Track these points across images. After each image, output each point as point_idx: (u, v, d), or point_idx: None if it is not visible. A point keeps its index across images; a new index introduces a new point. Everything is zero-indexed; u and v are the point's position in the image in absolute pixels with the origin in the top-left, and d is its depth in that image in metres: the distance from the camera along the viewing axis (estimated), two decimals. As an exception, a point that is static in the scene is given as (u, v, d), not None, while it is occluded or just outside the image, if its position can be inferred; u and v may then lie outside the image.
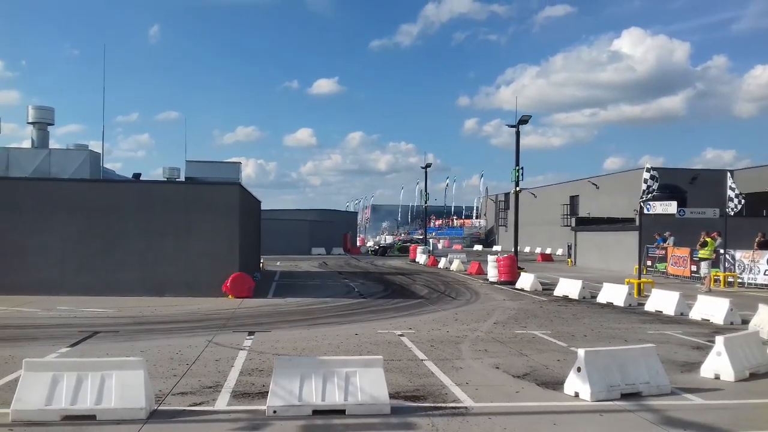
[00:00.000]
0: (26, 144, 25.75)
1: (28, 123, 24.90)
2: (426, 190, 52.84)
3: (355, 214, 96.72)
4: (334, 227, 62.93)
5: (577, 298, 21.54)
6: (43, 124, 24.86)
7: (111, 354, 10.73)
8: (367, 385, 7.69)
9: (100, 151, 25.09)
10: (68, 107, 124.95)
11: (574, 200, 62.10)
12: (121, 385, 7.16)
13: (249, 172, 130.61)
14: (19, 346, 11.75)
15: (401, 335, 13.71)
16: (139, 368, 7.32)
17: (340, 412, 7.52)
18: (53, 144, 25.60)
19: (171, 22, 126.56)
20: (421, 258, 44.73)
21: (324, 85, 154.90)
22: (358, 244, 73.14)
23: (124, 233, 20.85)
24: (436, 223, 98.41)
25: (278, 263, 41.33)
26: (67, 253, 20.59)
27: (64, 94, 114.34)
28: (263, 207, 38.74)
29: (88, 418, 7.07)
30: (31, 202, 20.75)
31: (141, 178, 26.97)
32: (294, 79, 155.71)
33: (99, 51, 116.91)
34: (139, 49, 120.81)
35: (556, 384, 9.33)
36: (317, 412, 7.48)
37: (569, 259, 44.26)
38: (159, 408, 7.76)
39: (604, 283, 21.40)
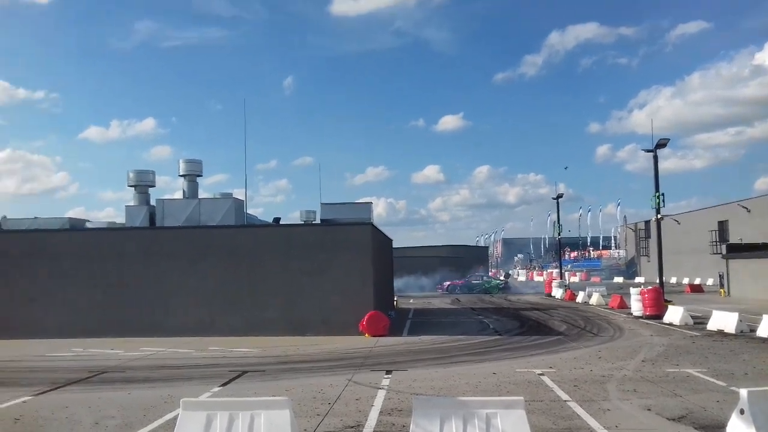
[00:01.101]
0: (178, 195, 27.83)
1: (179, 176, 27.00)
2: (558, 221, 51.34)
3: (486, 248, 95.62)
4: (465, 262, 62.56)
5: (733, 332, 19.89)
6: (192, 176, 26.89)
7: (258, 393, 11.21)
8: (509, 427, 7.46)
9: (244, 198, 26.75)
10: (214, 158, 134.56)
11: (723, 225, 57.83)
12: (269, 424, 7.43)
13: (380, 211, 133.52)
14: (176, 386, 12.56)
15: (541, 374, 13.27)
16: (286, 408, 7.57)
17: (482, 455, 7.35)
18: (202, 194, 27.50)
19: (302, 73, 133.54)
20: (557, 292, 43.31)
21: (449, 122, 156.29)
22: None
23: (267, 275, 21.93)
24: (571, 255, 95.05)
25: (411, 300, 41.57)
26: (216, 296, 21.93)
27: (209, 146, 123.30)
28: (395, 245, 39.33)
29: (242, 456, 7.38)
30: (184, 248, 22.43)
31: (281, 222, 28.27)
32: (420, 118, 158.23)
33: (240, 105, 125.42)
34: (275, 101, 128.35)
35: (717, 428, 8.62)
36: (459, 455, 7.36)
37: (722, 290, 41.11)
38: (305, 447, 7.98)
39: (764, 315, 19.61)
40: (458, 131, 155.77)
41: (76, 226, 25.73)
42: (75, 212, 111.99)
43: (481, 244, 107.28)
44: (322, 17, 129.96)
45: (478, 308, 34.20)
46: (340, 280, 21.66)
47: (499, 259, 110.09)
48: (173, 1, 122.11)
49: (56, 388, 12.55)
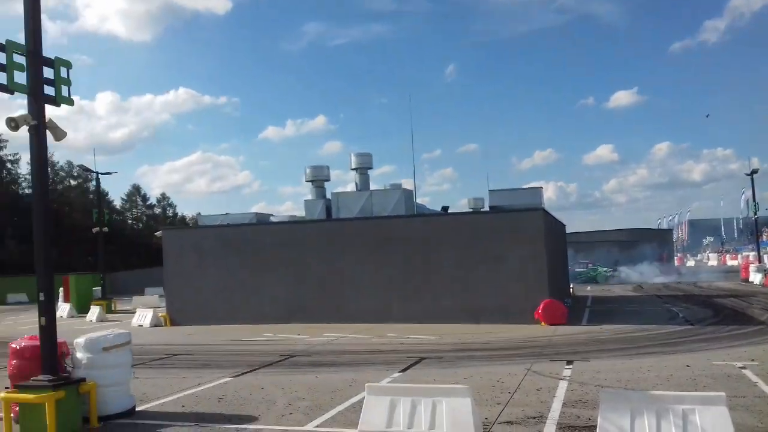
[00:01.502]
0: (350, 188, 28.93)
1: (351, 169, 28.07)
2: (754, 199, 46.65)
3: (669, 231, 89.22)
4: (645, 247, 58.87)
5: None
6: (363, 169, 27.85)
7: (437, 380, 11.34)
8: (709, 425, 6.86)
9: (412, 188, 27.22)
10: (381, 150, 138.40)
11: None
12: (451, 411, 7.47)
13: (549, 195, 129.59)
14: (359, 370, 13.07)
15: (742, 368, 12.11)
16: (467, 396, 7.57)
17: (680, 454, 6.84)
18: (372, 186, 28.35)
19: (464, 60, 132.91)
20: (756, 277, 39.33)
21: (622, 98, 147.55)
22: (676, 264, 67.31)
23: (440, 263, 22.13)
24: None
25: (588, 288, 39.93)
26: (393, 284, 22.54)
27: (376, 138, 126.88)
28: (567, 230, 37.93)
29: (425, 441, 7.50)
30: (360, 238, 23.30)
31: (449, 211, 28.39)
32: (589, 96, 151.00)
33: (404, 97, 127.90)
34: (438, 90, 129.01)
35: None
36: (654, 452, 6.91)
37: None
38: (488, 436, 7.93)
39: None
40: (632, 107, 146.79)
41: (262, 221, 27.67)
42: (258, 207, 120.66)
43: (664, 226, 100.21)
44: (481, 2, 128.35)
45: (664, 295, 32.05)
46: (514, 267, 21.32)
47: (685, 243, 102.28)
48: (338, 1, 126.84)
49: (252, 371, 13.58)
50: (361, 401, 9.32)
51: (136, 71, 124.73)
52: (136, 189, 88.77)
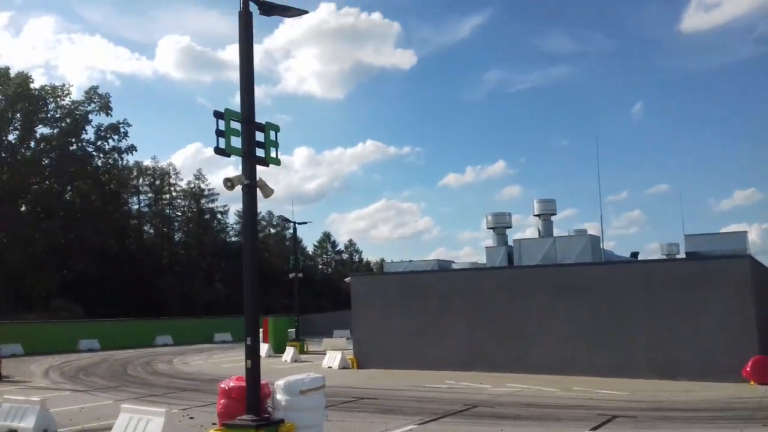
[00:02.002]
0: (529, 233, 28.54)
1: (534, 215, 27.74)
2: None
3: None
4: None
5: None
6: (546, 215, 27.38)
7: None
8: None
9: (597, 233, 26.21)
10: (563, 194, 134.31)
11: None
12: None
13: (754, 238, 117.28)
14: (545, 426, 12.68)
15: None
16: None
17: None
18: (555, 231, 27.72)
19: (651, 98, 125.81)
20: None
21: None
22: None
23: (630, 314, 20.88)
24: None
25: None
26: (577, 334, 21.62)
27: (556, 182, 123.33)
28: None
29: None
30: (543, 286, 22.71)
31: (639, 257, 26.86)
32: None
33: (586, 138, 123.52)
34: (623, 130, 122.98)
35: None
36: None
37: None
38: None
39: None
40: None
41: (444, 267, 28.05)
42: (437, 252, 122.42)
43: None
44: (670, 37, 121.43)
45: None
46: (715, 319, 19.54)
47: None
48: (518, 48, 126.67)
49: (436, 419, 13.66)
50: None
51: (328, 127, 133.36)
52: (326, 236, 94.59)
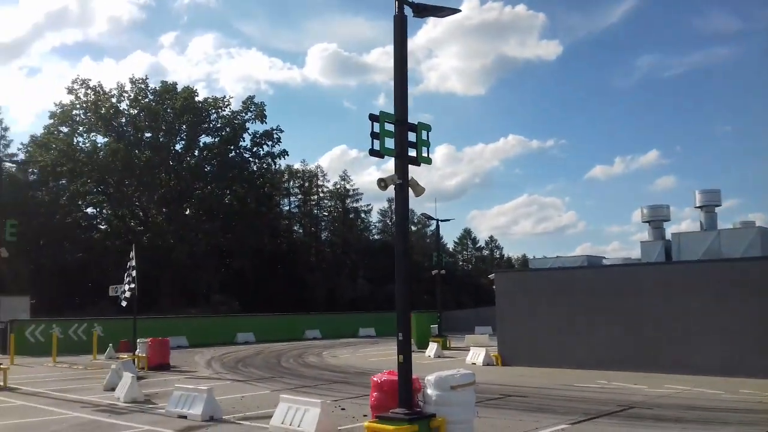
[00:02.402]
0: (687, 226, 26.86)
1: (695, 207, 26.04)
2: None
3: None
4: None
5: None
6: (710, 207, 25.60)
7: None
8: None
9: (765, 224, 24.08)
10: (724, 183, 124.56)
11: None
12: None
13: None
14: (712, 429, 11.87)
15: None
16: None
17: None
18: (719, 225, 25.82)
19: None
20: None
21: None
22: None
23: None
24: None
25: None
26: (744, 333, 19.95)
27: (716, 171, 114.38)
28: None
29: None
30: (705, 282, 21.16)
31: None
32: None
33: (750, 122, 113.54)
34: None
35: None
36: None
37: None
38: None
39: None
40: None
41: (594, 263, 27.04)
42: (582, 248, 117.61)
43: None
44: None
45: None
46: None
47: None
48: (674, 30, 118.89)
49: (589, 419, 13.22)
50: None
51: (469, 123, 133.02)
52: (467, 232, 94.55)
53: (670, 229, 26.58)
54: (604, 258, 28.76)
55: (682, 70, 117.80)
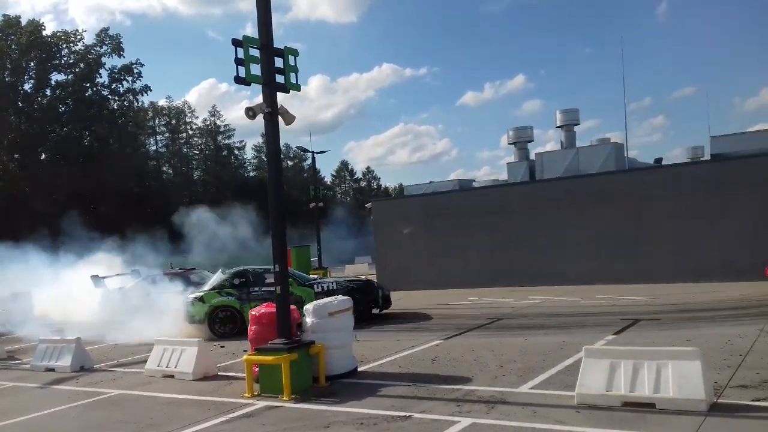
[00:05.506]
0: (550, 147, 28.26)
1: (556, 126, 27.35)
2: None
3: None
4: None
5: None
6: (570, 126, 26.95)
7: (656, 342, 10.78)
8: None
9: (621, 142, 25.87)
10: (585, 104, 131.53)
11: None
12: (678, 375, 7.11)
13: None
14: (570, 333, 12.84)
15: None
16: (696, 358, 7.15)
17: None
18: (578, 143, 27.34)
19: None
20: None
21: None
22: None
23: (654, 220, 20.82)
24: None
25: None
26: (601, 244, 21.65)
27: (579, 92, 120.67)
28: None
29: (647, 405, 7.23)
30: (566, 199, 22.61)
31: (663, 163, 26.53)
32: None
33: (610, 45, 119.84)
34: (648, 33, 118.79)
35: None
36: None
37: None
38: (719, 401, 7.41)
39: None
40: None
41: (465, 186, 28.01)
42: (456, 174, 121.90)
43: None
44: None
45: None
46: (739, 220, 19.39)
47: None
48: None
49: (461, 333, 13.92)
50: (574, 364, 9.22)
51: (343, 52, 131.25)
52: (344, 165, 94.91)
53: (534, 150, 27.84)
54: (474, 181, 29.85)
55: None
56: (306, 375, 9.86)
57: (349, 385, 9.99)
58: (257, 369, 9.87)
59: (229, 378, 11.24)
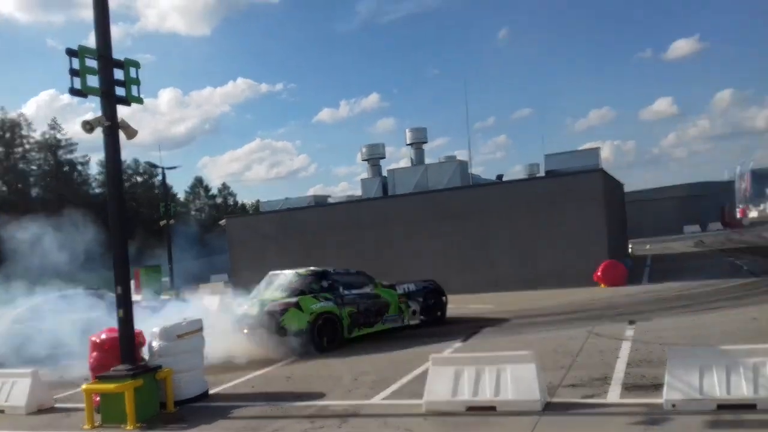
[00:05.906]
0: (403, 163, 29.18)
1: (406, 144, 28.23)
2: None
3: (732, 183, 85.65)
4: (707, 201, 57.03)
5: None
6: (418, 144, 27.98)
7: (499, 347, 11.41)
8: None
9: (466, 159, 27.22)
10: (435, 123, 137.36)
11: None
12: (515, 378, 7.59)
13: (606, 155, 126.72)
14: (420, 343, 13.24)
15: (815, 318, 11.78)
16: (531, 361, 7.67)
17: (749, 407, 6.80)
18: (428, 160, 28.42)
19: (515, 21, 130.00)
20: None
21: (682, 47, 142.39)
22: (738, 216, 64.94)
23: (496, 233, 22.15)
24: None
25: (647, 246, 39.12)
26: (449, 256, 22.65)
27: (429, 111, 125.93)
28: (626, 189, 37.14)
29: (489, 408, 7.65)
30: (416, 213, 23.47)
31: (504, 179, 28.23)
32: (646, 48, 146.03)
33: (455, 67, 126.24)
34: (490, 57, 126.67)
35: None
36: (722, 407, 6.89)
37: None
38: (552, 400, 7.99)
39: None
40: (693, 56, 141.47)
41: (320, 203, 28.14)
42: (315, 189, 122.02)
43: (726, 179, 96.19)
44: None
45: (727, 249, 31.16)
46: (572, 231, 21.13)
47: (747, 194, 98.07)
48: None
49: (318, 349, 13.88)
50: (423, 373, 9.52)
51: (196, 66, 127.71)
52: (198, 181, 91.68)
53: (387, 167, 28.61)
54: (330, 197, 30.11)
55: (398, 16, 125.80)
56: (152, 401, 9.41)
57: (199, 408, 9.67)
58: (98, 398, 9.29)
59: (67, 410, 10.47)
